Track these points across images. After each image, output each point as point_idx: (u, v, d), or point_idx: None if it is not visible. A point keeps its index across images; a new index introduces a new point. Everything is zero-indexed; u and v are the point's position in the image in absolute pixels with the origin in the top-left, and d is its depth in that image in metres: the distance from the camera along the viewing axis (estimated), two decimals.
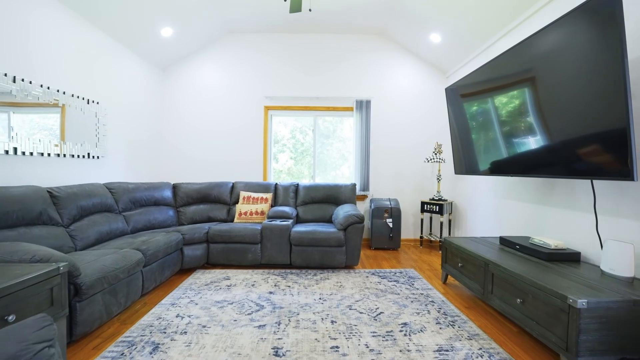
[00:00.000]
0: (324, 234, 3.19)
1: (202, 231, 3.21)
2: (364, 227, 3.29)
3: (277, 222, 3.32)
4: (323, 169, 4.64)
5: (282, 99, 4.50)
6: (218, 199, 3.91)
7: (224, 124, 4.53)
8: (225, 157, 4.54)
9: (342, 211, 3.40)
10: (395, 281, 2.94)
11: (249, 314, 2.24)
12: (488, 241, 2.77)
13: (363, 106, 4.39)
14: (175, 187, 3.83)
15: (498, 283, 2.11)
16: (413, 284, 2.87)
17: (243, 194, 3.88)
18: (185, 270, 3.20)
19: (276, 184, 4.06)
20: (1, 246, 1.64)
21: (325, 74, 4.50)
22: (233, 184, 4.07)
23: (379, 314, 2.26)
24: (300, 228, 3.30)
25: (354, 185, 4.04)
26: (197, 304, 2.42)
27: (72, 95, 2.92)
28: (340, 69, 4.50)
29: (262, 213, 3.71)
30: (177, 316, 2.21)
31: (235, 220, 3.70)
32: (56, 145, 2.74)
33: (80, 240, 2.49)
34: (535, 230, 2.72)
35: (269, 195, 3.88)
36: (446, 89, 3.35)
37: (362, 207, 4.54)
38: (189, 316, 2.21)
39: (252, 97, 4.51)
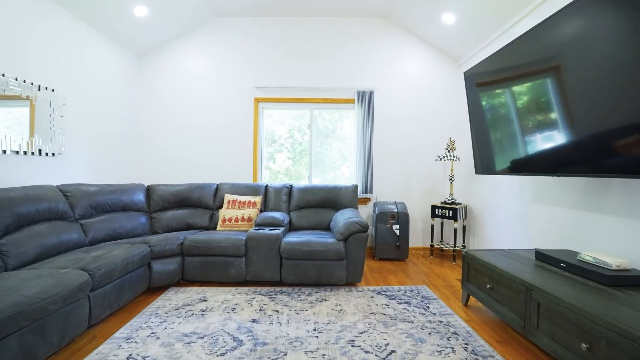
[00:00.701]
0: (320, 245, 2.68)
1: (175, 242, 2.71)
2: (368, 236, 2.79)
3: (266, 230, 2.82)
4: (322, 169, 4.15)
5: (274, 89, 4.00)
6: (199, 203, 3.40)
7: (210, 119, 4.03)
8: (211, 155, 4.03)
9: (342, 217, 2.89)
10: (406, 303, 2.44)
11: (222, 354, 1.74)
12: (519, 255, 2.26)
13: (365, 98, 3.90)
14: (149, 190, 3.32)
15: (548, 317, 1.60)
16: (428, 307, 2.36)
17: (228, 197, 3.38)
18: (156, 289, 2.69)
19: (267, 185, 3.56)
20: None
21: (323, 61, 4.01)
22: (217, 185, 3.57)
23: (390, 353, 1.76)
24: (292, 238, 2.80)
25: (356, 187, 3.54)
26: (159, 337, 1.91)
27: (17, 79, 2.42)
28: (340, 56, 4.01)
29: (250, 219, 3.20)
30: (128, 358, 1.70)
31: (218, 227, 3.20)
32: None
33: (14, 258, 1.99)
34: (579, 244, 2.21)
35: (258, 199, 3.38)
36: (465, 74, 2.86)
37: (365, 212, 4.04)
38: (145, 358, 1.70)
39: (240, 88, 4.02)
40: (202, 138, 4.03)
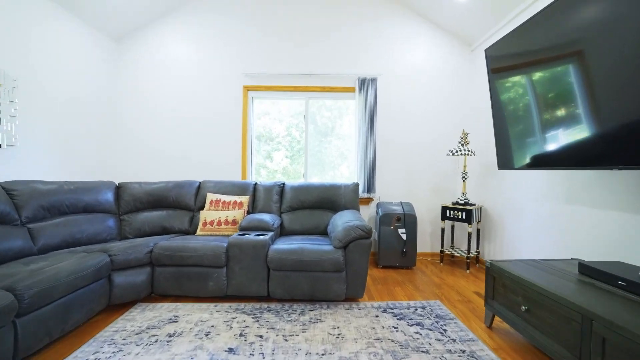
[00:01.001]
0: (314, 253, 2.26)
1: (143, 250, 2.28)
2: (372, 243, 2.37)
3: (251, 236, 2.40)
4: (321, 168, 3.75)
5: (265, 76, 3.58)
6: (177, 203, 2.98)
7: (195, 109, 3.60)
8: (196, 150, 3.61)
9: (341, 221, 2.48)
10: (418, 325, 2.02)
11: None
12: (557, 268, 1.85)
13: (368, 86, 3.48)
14: (119, 188, 2.90)
15: (617, 357, 1.19)
16: (445, 330, 1.94)
17: (210, 196, 2.95)
18: (120, 306, 2.27)
19: (255, 183, 3.14)
20: None
21: (320, 45, 3.59)
22: (200, 183, 3.14)
23: None
24: (282, 245, 2.37)
25: (357, 185, 3.12)
26: None
27: None
28: (339, 40, 3.59)
29: (235, 222, 2.78)
30: None
31: (198, 232, 2.77)
32: None
33: None
34: (632, 255, 1.80)
35: (245, 199, 2.96)
36: (487, 52, 2.43)
37: (367, 213, 3.62)
38: None
39: (228, 75, 3.60)
40: (186, 130, 3.60)
